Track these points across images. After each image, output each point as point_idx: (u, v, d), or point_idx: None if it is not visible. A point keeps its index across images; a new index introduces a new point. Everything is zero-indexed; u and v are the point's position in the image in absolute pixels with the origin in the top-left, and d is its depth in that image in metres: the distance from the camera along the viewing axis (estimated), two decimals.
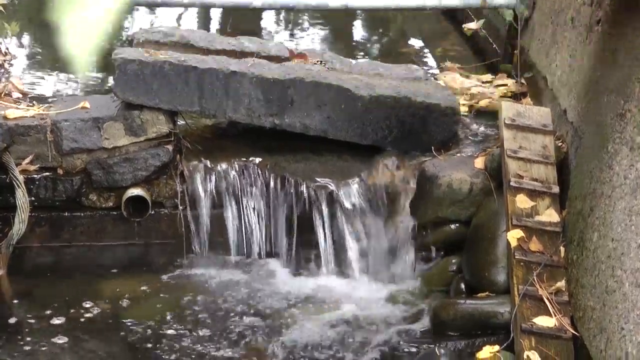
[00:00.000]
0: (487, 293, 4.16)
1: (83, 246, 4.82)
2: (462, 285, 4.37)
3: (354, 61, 5.25)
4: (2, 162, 4.58)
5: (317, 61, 5.01)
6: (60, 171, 4.69)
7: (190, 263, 4.80)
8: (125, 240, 4.84)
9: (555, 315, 3.79)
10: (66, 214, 4.78)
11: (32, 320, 4.33)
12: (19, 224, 4.57)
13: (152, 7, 7.00)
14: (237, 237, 4.80)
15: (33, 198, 4.65)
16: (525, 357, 3.69)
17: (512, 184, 4.19)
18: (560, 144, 4.35)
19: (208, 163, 4.77)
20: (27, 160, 4.63)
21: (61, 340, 4.20)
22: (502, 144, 4.37)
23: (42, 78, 5.79)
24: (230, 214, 4.77)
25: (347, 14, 7.33)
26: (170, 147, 4.72)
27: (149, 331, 4.29)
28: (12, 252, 4.62)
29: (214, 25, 7.21)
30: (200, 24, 7.13)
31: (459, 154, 4.74)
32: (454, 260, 4.53)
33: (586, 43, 4.34)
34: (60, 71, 5.94)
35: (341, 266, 4.75)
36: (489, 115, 5.04)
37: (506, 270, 4.12)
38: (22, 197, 4.54)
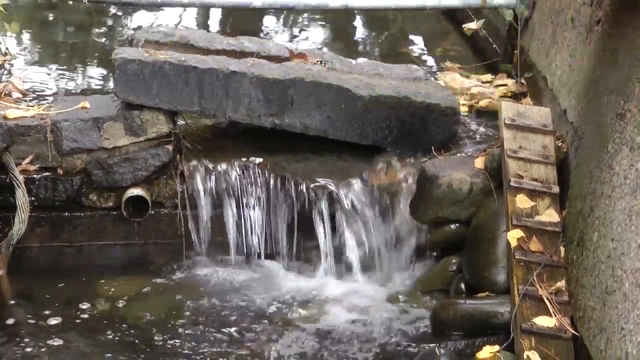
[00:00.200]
0: (487, 293, 4.16)
1: (83, 246, 4.82)
2: (462, 285, 4.37)
3: (354, 61, 5.25)
4: (2, 162, 4.58)
5: (317, 61, 5.01)
6: (60, 171, 4.70)
7: (190, 263, 4.80)
8: (125, 240, 4.84)
9: (555, 315, 3.79)
10: (66, 214, 4.78)
11: (32, 321, 4.33)
12: (19, 224, 4.57)
13: (152, 7, 7.00)
14: (237, 237, 4.80)
15: (33, 198, 4.65)
16: (525, 357, 3.69)
17: (512, 184, 4.19)
18: (560, 144, 4.35)
19: (208, 163, 4.77)
20: (27, 160, 4.63)
21: (61, 340, 4.19)
22: (502, 144, 4.37)
23: (42, 78, 5.79)
24: (230, 214, 4.77)
25: (347, 14, 7.33)
26: (170, 147, 4.73)
27: (149, 331, 4.29)
28: (12, 252, 4.62)
29: (214, 25, 7.21)
30: (200, 24, 7.13)
31: (459, 154, 4.74)
32: (454, 260, 4.52)
33: (586, 43, 4.34)
34: (60, 71, 5.94)
35: (341, 266, 4.75)
36: (489, 115, 5.04)
37: (506, 270, 4.12)
38: (22, 197, 4.54)
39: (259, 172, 4.75)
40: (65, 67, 6.11)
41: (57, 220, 4.78)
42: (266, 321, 4.40)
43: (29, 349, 4.13)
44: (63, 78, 5.87)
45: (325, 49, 5.95)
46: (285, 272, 4.77)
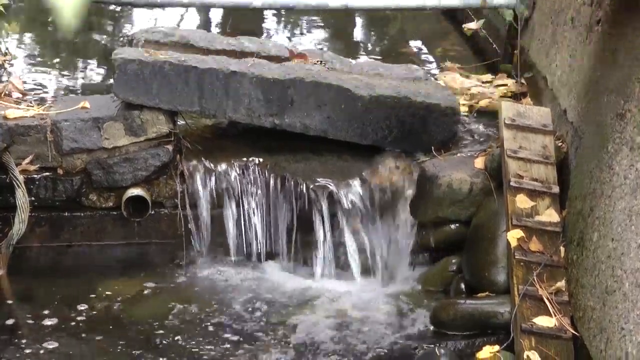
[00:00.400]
0: (487, 293, 4.16)
1: (83, 246, 4.82)
2: (462, 285, 4.37)
3: (354, 61, 5.25)
4: (2, 162, 4.58)
5: (317, 61, 5.01)
6: (60, 171, 4.70)
7: (190, 263, 4.80)
8: (125, 240, 4.84)
9: (555, 315, 3.79)
10: (66, 214, 4.78)
11: (32, 321, 4.33)
12: (19, 224, 4.57)
13: (152, 7, 7.00)
14: (237, 237, 4.80)
15: (33, 198, 4.65)
16: (525, 357, 3.69)
17: (512, 184, 4.19)
18: (560, 144, 4.35)
19: (208, 163, 4.77)
20: (27, 160, 4.63)
21: (60, 340, 4.19)
22: (502, 144, 4.37)
23: (42, 78, 5.79)
24: (230, 214, 4.77)
25: (347, 14, 7.34)
26: (170, 147, 4.73)
27: (149, 331, 4.29)
28: (12, 252, 4.62)
29: (214, 25, 7.21)
30: (200, 24, 7.13)
31: (459, 154, 4.74)
32: (454, 260, 4.52)
33: (586, 43, 4.34)
34: (60, 71, 5.94)
35: (341, 266, 4.75)
36: (489, 115, 5.04)
37: (506, 270, 4.12)
38: (22, 197, 4.54)
39: (259, 172, 4.75)
40: (65, 67, 6.11)
41: (57, 220, 4.78)
42: (266, 321, 4.39)
43: (28, 349, 4.12)
44: (63, 78, 5.87)
45: (325, 49, 5.95)
46: (285, 272, 4.77)
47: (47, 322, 4.31)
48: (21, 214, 4.56)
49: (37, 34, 6.74)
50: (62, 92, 5.56)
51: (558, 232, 4.06)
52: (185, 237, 4.80)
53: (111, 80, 4.90)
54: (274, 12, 7.32)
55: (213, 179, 4.75)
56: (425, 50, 6.73)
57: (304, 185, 4.69)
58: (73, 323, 4.32)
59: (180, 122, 4.91)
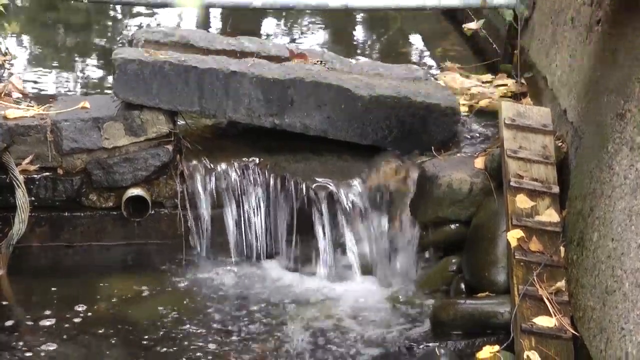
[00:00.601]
0: (487, 293, 4.16)
1: (83, 246, 4.82)
2: (462, 285, 4.37)
3: (354, 61, 5.25)
4: (2, 162, 4.59)
5: (317, 61, 5.01)
6: (60, 171, 4.70)
7: (190, 263, 4.80)
8: (125, 240, 4.84)
9: (555, 315, 3.79)
10: (66, 214, 4.78)
11: (31, 321, 4.33)
12: (19, 224, 4.57)
13: (152, 7, 7.00)
14: (237, 237, 4.80)
15: (33, 198, 4.65)
16: (525, 357, 3.69)
17: (512, 184, 4.19)
18: (560, 144, 4.36)
19: (208, 163, 4.77)
20: (27, 160, 4.63)
21: (60, 341, 4.19)
22: (502, 144, 4.37)
23: (42, 78, 5.79)
24: (230, 214, 4.77)
25: (347, 14, 7.34)
26: (170, 147, 4.73)
27: (149, 331, 4.29)
28: (12, 252, 4.62)
29: (214, 25, 7.21)
30: (200, 24, 7.13)
31: (459, 154, 4.74)
32: (454, 260, 4.52)
33: (586, 43, 4.34)
34: (61, 71, 5.95)
35: (341, 266, 4.75)
36: (489, 115, 5.04)
37: (506, 270, 4.12)
38: (22, 197, 4.54)
39: (259, 172, 4.75)
40: (65, 67, 6.12)
41: (57, 220, 4.78)
42: (266, 321, 4.39)
43: (28, 350, 4.12)
44: (63, 78, 5.87)
45: (325, 49, 5.95)
46: (285, 272, 4.77)
47: (47, 322, 4.31)
48: (21, 214, 4.56)
49: (37, 34, 6.74)
50: (62, 92, 5.56)
51: (558, 232, 4.06)
52: (185, 237, 4.80)
53: (111, 80, 4.90)
54: (274, 12, 7.31)
55: (213, 179, 4.75)
56: (425, 50, 6.73)
57: (304, 185, 4.69)
58: (73, 323, 4.32)
59: (180, 122, 4.91)
